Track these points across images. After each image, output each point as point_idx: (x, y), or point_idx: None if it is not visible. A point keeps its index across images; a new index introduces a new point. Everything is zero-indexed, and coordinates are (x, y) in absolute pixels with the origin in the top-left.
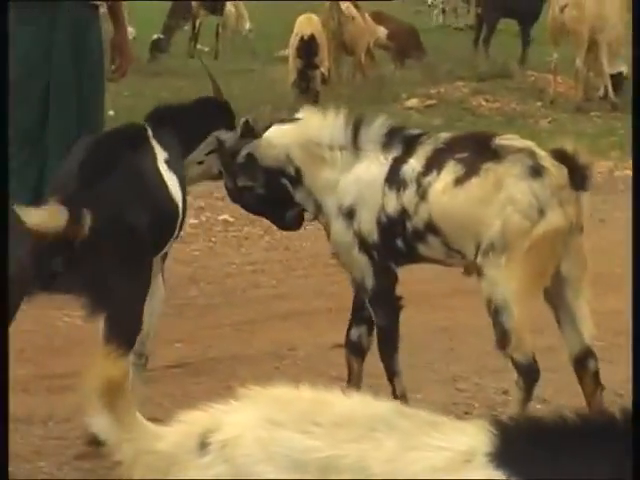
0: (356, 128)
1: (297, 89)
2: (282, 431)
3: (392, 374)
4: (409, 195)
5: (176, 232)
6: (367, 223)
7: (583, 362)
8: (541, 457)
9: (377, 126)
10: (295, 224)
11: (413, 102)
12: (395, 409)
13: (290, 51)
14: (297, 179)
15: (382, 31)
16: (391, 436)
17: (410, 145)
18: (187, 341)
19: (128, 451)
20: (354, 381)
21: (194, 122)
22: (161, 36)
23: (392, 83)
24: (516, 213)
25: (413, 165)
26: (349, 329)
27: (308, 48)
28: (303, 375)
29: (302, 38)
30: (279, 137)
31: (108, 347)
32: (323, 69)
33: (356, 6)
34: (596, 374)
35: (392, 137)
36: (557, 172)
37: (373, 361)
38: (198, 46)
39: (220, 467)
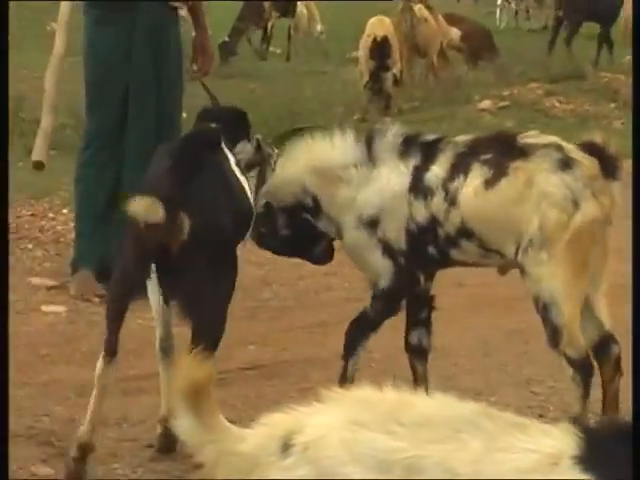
0: (369, 142)
1: (369, 91)
2: (366, 432)
3: (350, 354)
4: (437, 202)
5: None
6: (393, 231)
7: (605, 348)
8: (625, 461)
9: (392, 136)
10: (326, 257)
11: (486, 104)
12: (480, 410)
13: (362, 53)
14: (316, 208)
15: (455, 32)
16: (476, 437)
17: (429, 152)
18: (260, 343)
19: (211, 453)
20: (420, 383)
21: (232, 129)
22: (226, 39)
23: (465, 85)
24: (552, 207)
25: (436, 172)
26: (407, 333)
27: (380, 50)
28: (378, 377)
29: (374, 39)
30: (291, 170)
31: (196, 350)
32: (395, 71)
33: (428, 7)
34: (617, 360)
35: (409, 145)
36: (588, 163)
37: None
38: (270, 48)
39: (304, 469)
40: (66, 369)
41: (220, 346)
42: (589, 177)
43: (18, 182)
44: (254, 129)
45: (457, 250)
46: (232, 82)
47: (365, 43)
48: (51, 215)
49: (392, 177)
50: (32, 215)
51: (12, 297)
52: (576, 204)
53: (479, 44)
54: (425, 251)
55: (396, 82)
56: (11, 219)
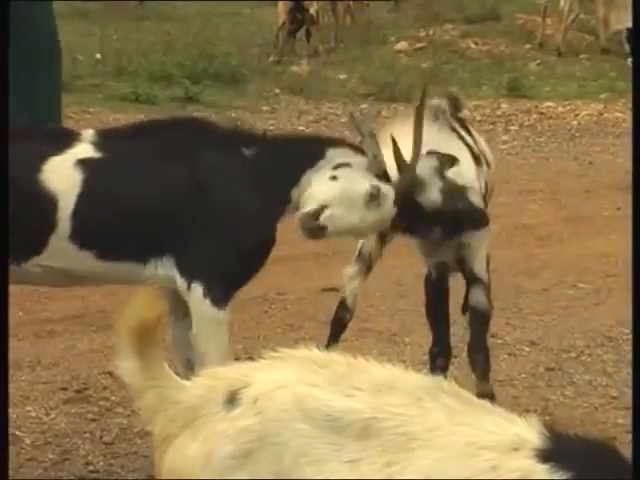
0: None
1: (286, 32)
2: (320, 391)
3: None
4: (485, 168)
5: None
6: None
7: None
8: (587, 463)
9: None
10: None
11: (402, 45)
12: (440, 384)
13: None
14: None
15: None
16: (439, 409)
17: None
18: None
19: (151, 399)
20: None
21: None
22: None
23: (381, 26)
24: None
25: (470, 137)
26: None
27: None
28: (292, 319)
29: None
30: None
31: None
32: (312, 11)
33: None
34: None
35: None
36: None
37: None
38: None
39: (252, 419)
40: None
41: None
42: None
43: None
44: (169, 71)
45: None
46: (148, 24)
47: None
48: None
49: (461, 151)
50: None
51: None
52: None
53: None
54: None
55: (313, 22)
56: None
